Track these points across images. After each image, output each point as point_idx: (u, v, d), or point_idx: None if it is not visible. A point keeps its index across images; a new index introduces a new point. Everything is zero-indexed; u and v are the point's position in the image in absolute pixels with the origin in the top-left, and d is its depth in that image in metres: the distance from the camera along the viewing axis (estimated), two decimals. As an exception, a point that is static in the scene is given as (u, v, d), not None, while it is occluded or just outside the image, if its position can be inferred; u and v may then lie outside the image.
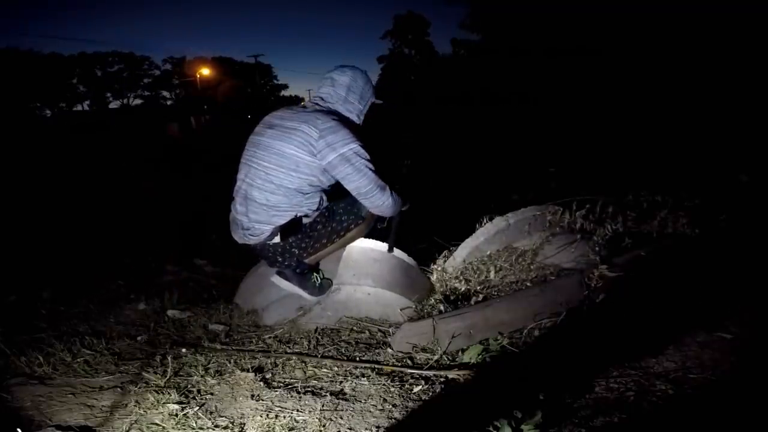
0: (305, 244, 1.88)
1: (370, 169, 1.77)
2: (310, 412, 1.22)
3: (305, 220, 1.88)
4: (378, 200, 1.81)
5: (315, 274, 1.99)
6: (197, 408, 1.26)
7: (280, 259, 1.91)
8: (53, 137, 17.47)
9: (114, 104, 45.49)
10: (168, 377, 1.43)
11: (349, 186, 1.78)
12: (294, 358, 1.56)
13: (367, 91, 1.93)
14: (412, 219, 2.08)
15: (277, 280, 1.96)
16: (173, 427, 1.18)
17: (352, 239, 1.96)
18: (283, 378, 1.43)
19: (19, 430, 1.12)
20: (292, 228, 1.83)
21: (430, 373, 1.39)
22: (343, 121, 1.80)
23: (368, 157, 1.76)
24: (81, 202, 5.50)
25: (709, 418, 1.09)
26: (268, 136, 1.80)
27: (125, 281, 2.65)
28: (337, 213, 1.90)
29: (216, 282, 2.75)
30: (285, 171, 1.75)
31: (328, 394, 1.30)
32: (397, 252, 2.06)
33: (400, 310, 1.92)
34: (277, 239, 1.83)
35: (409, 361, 1.49)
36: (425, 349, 1.55)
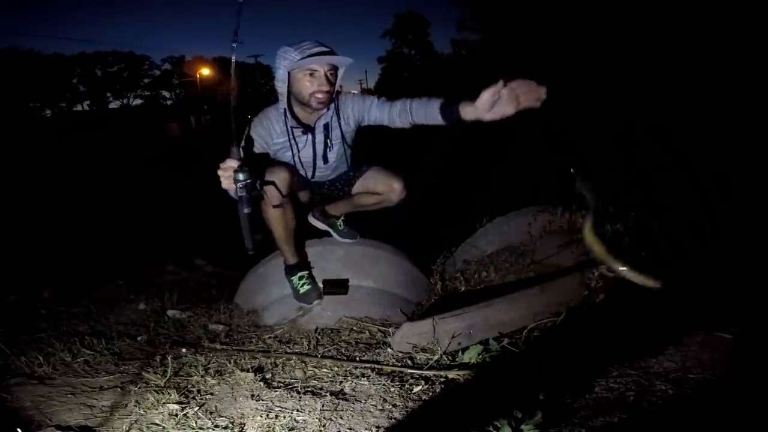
0: None
1: None
2: (310, 412, 1.22)
3: None
4: None
5: (302, 277, 1.96)
6: (197, 408, 1.26)
7: None
8: (53, 137, 17.46)
9: (114, 104, 45.45)
10: (168, 377, 1.43)
11: None
12: (294, 358, 1.56)
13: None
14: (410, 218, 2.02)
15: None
16: (173, 427, 1.18)
17: None
18: (283, 378, 1.43)
19: (19, 430, 1.12)
20: None
21: (430, 373, 1.39)
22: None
23: None
24: (81, 201, 5.50)
25: (709, 418, 1.09)
26: None
27: (125, 281, 2.65)
28: None
29: (216, 282, 2.76)
30: None
31: (328, 394, 1.30)
32: (397, 252, 2.07)
33: (400, 310, 1.92)
34: None
35: (409, 361, 1.49)
36: (425, 349, 1.55)
